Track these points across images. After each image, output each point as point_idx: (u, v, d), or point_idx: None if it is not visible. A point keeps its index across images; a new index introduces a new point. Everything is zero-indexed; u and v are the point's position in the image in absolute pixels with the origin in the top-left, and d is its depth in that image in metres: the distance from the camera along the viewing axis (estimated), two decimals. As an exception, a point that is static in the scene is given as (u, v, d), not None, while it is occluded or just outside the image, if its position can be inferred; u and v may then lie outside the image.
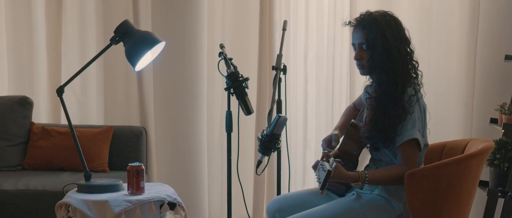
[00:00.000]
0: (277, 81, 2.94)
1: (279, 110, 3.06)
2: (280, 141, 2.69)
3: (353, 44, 2.56)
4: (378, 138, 2.50)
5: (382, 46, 2.45)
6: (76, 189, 2.86)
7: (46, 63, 4.19)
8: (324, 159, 2.48)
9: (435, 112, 3.74)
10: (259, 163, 2.74)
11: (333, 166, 2.29)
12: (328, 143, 2.68)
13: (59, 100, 2.85)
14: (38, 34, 4.16)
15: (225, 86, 2.84)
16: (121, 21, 2.82)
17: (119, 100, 4.24)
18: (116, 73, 4.21)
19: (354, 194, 2.61)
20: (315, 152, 4.11)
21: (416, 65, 2.54)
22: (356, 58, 2.54)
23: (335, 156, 2.61)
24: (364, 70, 2.55)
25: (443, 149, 2.83)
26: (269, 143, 2.64)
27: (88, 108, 4.23)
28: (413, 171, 2.44)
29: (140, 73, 3.93)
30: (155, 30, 3.86)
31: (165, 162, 4.09)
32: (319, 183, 2.32)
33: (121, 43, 2.83)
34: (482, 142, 2.64)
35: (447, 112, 3.92)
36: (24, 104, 3.98)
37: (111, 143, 3.90)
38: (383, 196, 2.55)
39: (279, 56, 3.02)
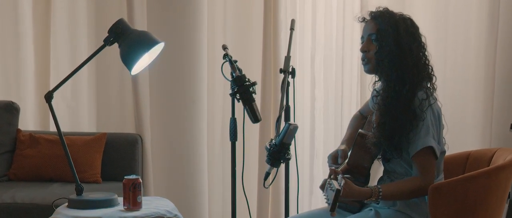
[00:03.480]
0: (285, 86, 2.84)
1: (287, 117, 2.97)
2: (289, 150, 2.58)
3: (362, 37, 2.52)
4: (386, 145, 2.42)
5: (393, 39, 2.40)
6: (67, 204, 2.78)
7: (34, 66, 4.14)
8: (331, 177, 2.38)
9: (451, 117, 3.74)
10: (267, 175, 2.66)
11: (342, 184, 2.20)
12: (335, 159, 2.62)
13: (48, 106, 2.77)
14: (25, 34, 4.11)
15: (230, 91, 2.76)
16: (114, 21, 2.73)
17: (112, 106, 4.20)
18: (110, 77, 4.16)
19: (371, 209, 2.51)
20: (323, 161, 4.08)
21: (431, 71, 2.48)
22: (362, 50, 2.49)
23: (344, 172, 2.53)
24: (369, 65, 2.48)
25: (467, 159, 2.77)
26: (278, 153, 2.54)
27: (79, 114, 4.19)
28: (438, 184, 2.36)
29: (135, 76, 3.88)
30: (150, 30, 3.77)
31: (162, 172, 4.05)
32: (328, 204, 2.22)
33: (115, 45, 2.75)
34: (510, 152, 2.56)
35: (464, 117, 3.86)
36: (10, 110, 3.92)
37: (104, 152, 3.84)
38: (403, 212, 2.46)
39: (287, 58, 2.94)
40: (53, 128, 3.96)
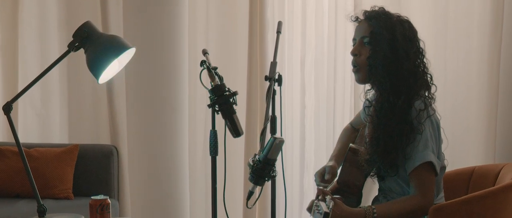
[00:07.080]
0: (271, 95, 2.72)
1: (273, 129, 2.84)
2: (275, 167, 2.46)
3: (354, 39, 2.44)
4: (381, 162, 2.33)
5: (388, 43, 2.31)
6: (28, 226, 2.63)
7: (0, 72, 4.13)
8: (319, 198, 2.30)
9: (452, 126, 3.71)
10: (250, 194, 2.53)
11: (331, 206, 2.10)
12: (322, 177, 2.54)
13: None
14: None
15: (209, 102, 2.63)
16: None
17: (86, 115, 4.17)
18: (83, 84, 4.11)
19: (367, 233, 2.42)
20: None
21: (429, 79, 2.40)
22: (353, 52, 2.41)
23: (334, 191, 2.47)
24: (360, 73, 2.40)
25: (471, 176, 2.72)
26: (263, 170, 2.41)
27: (50, 124, 4.16)
28: (440, 205, 2.28)
29: (110, 83, 3.85)
30: (127, 34, 3.83)
31: (140, 186, 4.02)
32: None
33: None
34: (519, 167, 2.53)
35: (467, 126, 3.79)
36: (-27, 120, 3.91)
37: (77, 165, 3.85)
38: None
39: (273, 64, 2.82)
40: (22, 140, 3.86)
